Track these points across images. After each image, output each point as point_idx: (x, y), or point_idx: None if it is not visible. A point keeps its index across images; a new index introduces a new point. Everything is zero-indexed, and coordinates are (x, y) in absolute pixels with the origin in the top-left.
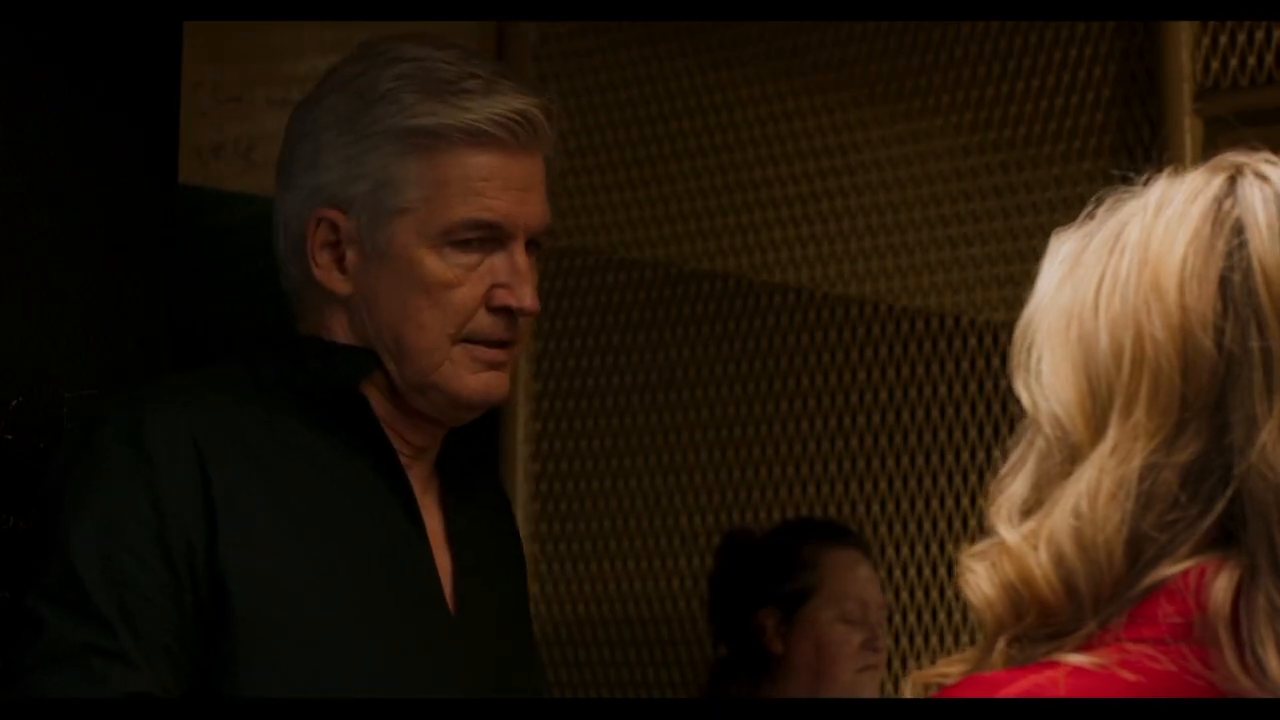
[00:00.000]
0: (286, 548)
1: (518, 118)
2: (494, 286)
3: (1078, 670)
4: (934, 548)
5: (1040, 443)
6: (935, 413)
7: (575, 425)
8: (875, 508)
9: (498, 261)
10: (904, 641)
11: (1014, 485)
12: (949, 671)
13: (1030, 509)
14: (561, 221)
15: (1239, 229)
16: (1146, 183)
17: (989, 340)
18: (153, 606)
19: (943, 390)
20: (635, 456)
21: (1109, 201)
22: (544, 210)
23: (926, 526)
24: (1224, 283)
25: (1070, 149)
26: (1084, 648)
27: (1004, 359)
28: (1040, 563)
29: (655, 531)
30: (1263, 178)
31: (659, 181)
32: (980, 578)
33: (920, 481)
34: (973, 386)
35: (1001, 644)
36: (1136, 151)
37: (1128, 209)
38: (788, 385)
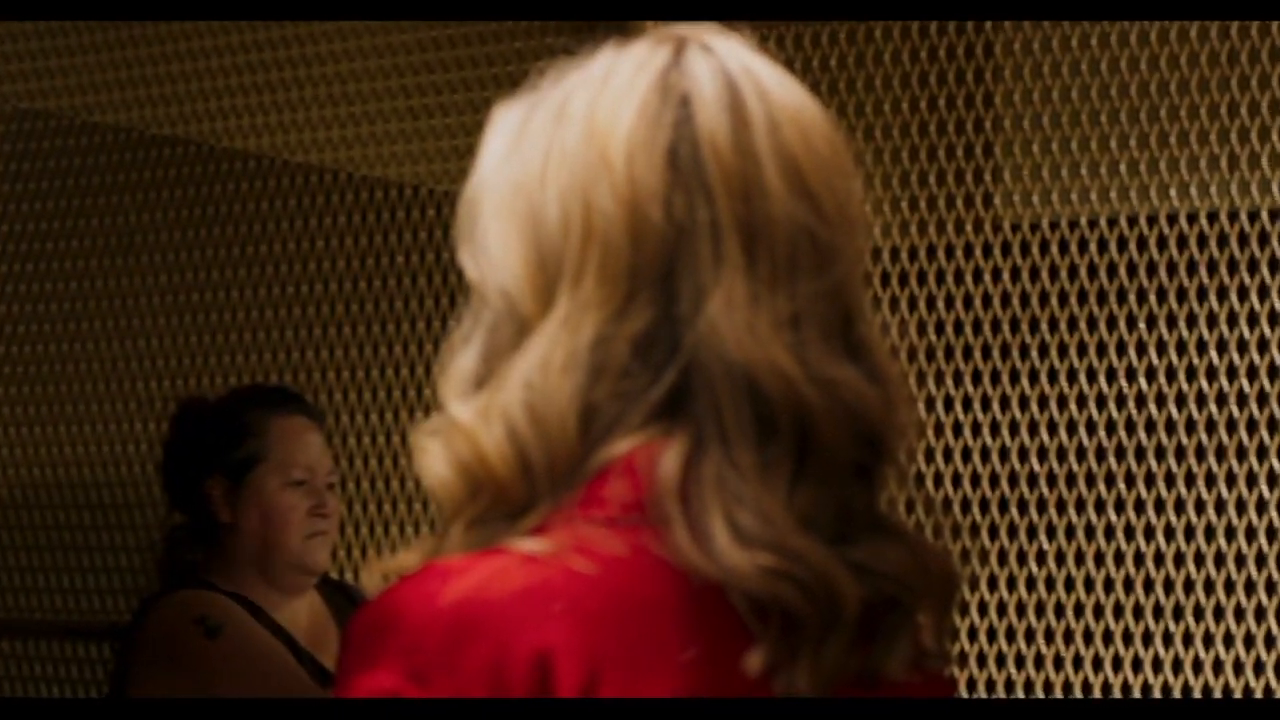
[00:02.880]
0: None
1: None
2: None
3: (529, 560)
4: (388, 416)
5: (488, 316)
6: (393, 282)
7: (34, 289)
8: (331, 375)
9: None
10: (357, 509)
11: (464, 360)
12: (407, 562)
13: (481, 383)
14: (24, 84)
15: (685, 101)
16: (591, 54)
17: (448, 211)
18: None
19: (400, 260)
20: (93, 320)
21: (552, 72)
22: None
23: (381, 395)
24: (672, 154)
25: (538, 24)
26: (539, 529)
27: None
28: (493, 437)
29: (113, 396)
30: (708, 50)
31: (122, 45)
32: (435, 458)
33: (376, 350)
34: (430, 256)
35: (459, 528)
36: (599, 29)
37: (572, 80)
38: (246, 252)
